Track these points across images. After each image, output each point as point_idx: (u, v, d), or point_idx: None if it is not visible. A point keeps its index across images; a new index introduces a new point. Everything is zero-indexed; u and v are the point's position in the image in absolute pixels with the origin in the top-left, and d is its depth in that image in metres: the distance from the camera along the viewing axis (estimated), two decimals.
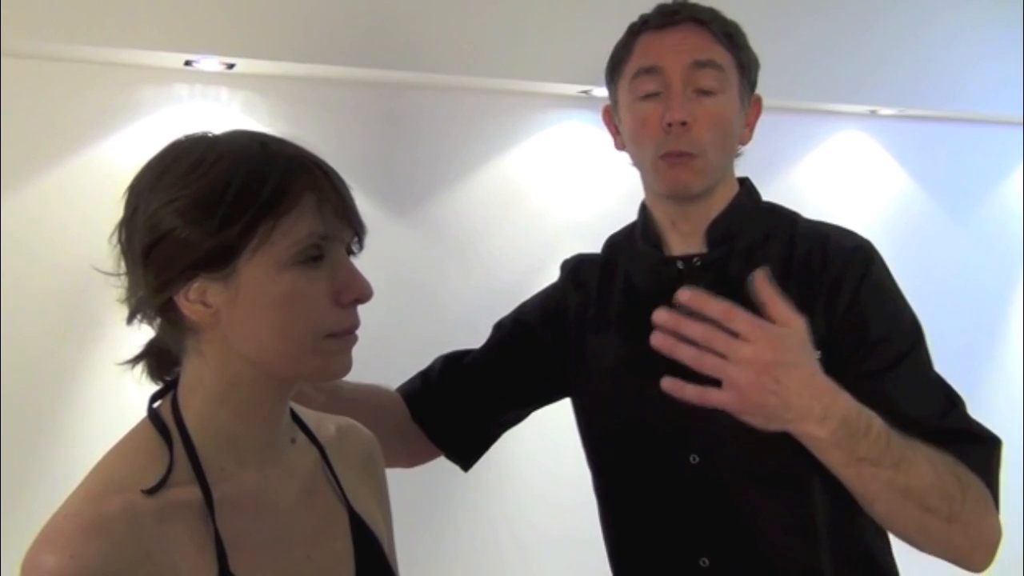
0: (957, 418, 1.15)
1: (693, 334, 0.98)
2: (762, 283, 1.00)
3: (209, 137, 0.87)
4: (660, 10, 1.26)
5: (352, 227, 0.88)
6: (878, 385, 1.14)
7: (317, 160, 0.88)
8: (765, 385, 0.97)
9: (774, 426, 1.01)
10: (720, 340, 0.97)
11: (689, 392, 0.99)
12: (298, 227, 0.83)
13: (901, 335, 1.17)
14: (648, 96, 1.22)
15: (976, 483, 1.09)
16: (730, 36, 1.24)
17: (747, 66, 1.26)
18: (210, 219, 0.81)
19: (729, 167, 1.28)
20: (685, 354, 0.98)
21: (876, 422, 1.03)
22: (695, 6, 1.26)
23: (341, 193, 0.87)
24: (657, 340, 0.99)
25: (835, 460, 1.03)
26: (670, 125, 1.19)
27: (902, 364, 1.15)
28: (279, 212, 0.82)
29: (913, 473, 1.04)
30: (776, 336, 0.98)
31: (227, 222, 0.81)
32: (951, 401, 1.16)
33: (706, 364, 0.98)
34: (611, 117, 1.32)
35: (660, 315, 0.99)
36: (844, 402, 1.02)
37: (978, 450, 1.12)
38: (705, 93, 1.20)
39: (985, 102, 2.85)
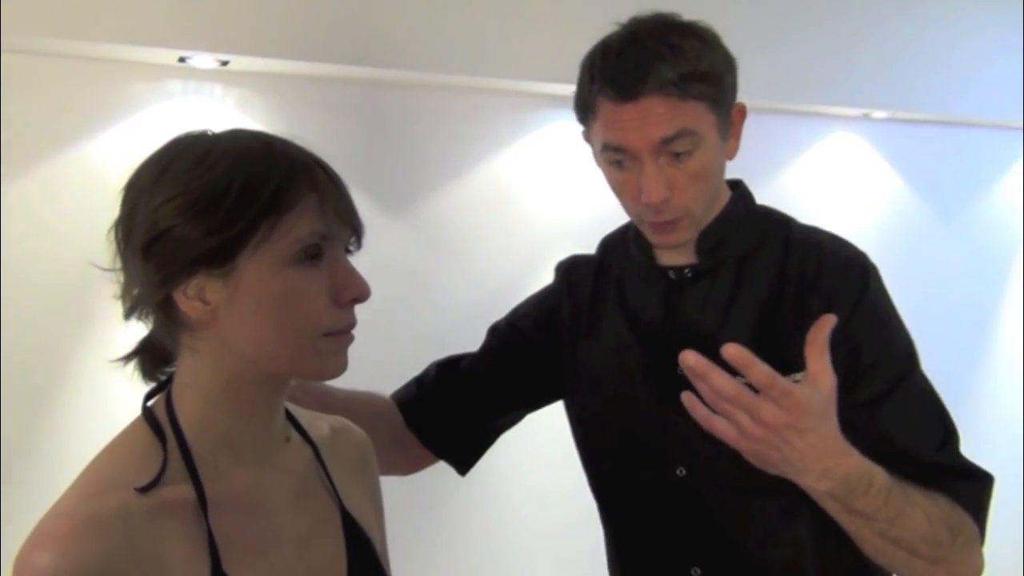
0: (951, 452, 1.15)
1: (722, 390, 0.95)
2: (819, 331, 0.97)
3: (210, 135, 0.87)
4: (618, 74, 1.13)
5: (352, 227, 0.89)
6: (871, 415, 1.13)
7: (318, 160, 0.88)
8: (771, 442, 0.96)
9: (771, 472, 1.00)
10: (746, 400, 0.95)
11: (699, 413, 0.97)
12: (299, 226, 0.83)
13: (895, 361, 1.16)
14: (619, 165, 1.17)
15: (968, 526, 1.09)
16: (700, 77, 1.12)
17: (722, 94, 1.16)
18: (212, 217, 0.81)
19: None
20: (705, 390, 0.96)
21: (878, 480, 1.02)
22: (657, 67, 1.11)
23: (342, 192, 0.88)
24: (686, 398, 0.97)
25: (828, 507, 1.04)
26: (649, 204, 1.15)
27: (895, 393, 1.14)
28: (281, 210, 0.83)
29: (907, 527, 1.04)
30: (802, 404, 0.95)
31: (229, 220, 0.81)
32: (945, 432, 1.16)
33: (720, 405, 0.96)
34: (588, 138, 1.25)
35: (688, 357, 0.95)
36: (849, 463, 1.00)
37: (972, 487, 1.12)
38: (680, 157, 1.14)
39: (979, 106, 2.86)
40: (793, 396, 0.94)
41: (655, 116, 1.12)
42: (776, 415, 0.94)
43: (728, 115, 1.19)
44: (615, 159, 1.16)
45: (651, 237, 1.22)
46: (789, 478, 1.00)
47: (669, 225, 1.17)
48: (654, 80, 1.11)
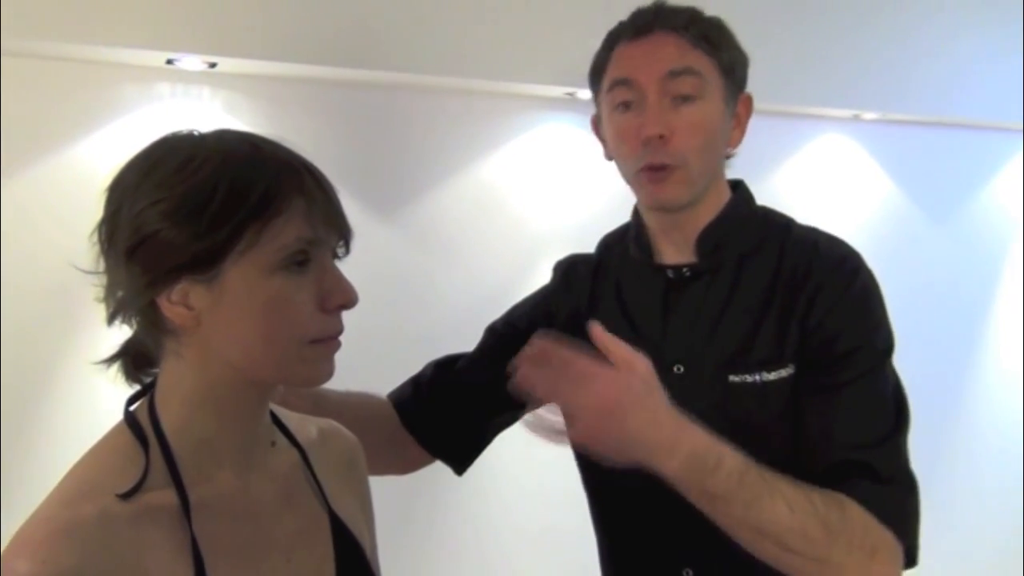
0: (880, 452, 1.12)
1: (540, 381, 1.04)
2: (597, 334, 1.04)
3: (196, 136, 0.86)
4: (635, 19, 1.23)
5: (340, 232, 0.87)
6: (824, 403, 1.13)
7: (306, 163, 0.87)
8: (608, 425, 1.01)
9: (625, 460, 1.03)
10: (564, 387, 1.02)
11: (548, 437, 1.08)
12: (286, 231, 0.82)
13: (868, 353, 1.15)
14: (625, 107, 1.20)
15: (860, 527, 1.06)
16: (709, 39, 1.20)
17: (731, 67, 1.22)
18: (197, 222, 0.80)
19: (717, 174, 1.25)
20: (540, 391, 1.05)
21: (728, 460, 1.03)
22: (671, 11, 1.22)
23: (330, 197, 0.86)
24: (516, 379, 1.05)
25: (687, 493, 1.05)
26: (648, 140, 1.17)
27: (854, 384, 1.14)
28: (267, 216, 0.81)
29: (766, 516, 1.03)
30: (615, 379, 1.01)
31: (214, 225, 0.80)
32: (891, 429, 1.14)
33: (557, 401, 1.04)
34: (598, 127, 1.30)
35: (518, 359, 1.05)
36: (692, 435, 1.03)
37: (881, 492, 1.10)
38: (684, 100, 1.17)
39: (969, 107, 2.87)
40: (599, 373, 1.02)
41: (664, 51, 1.18)
42: (595, 395, 1.01)
43: (735, 94, 1.24)
44: (621, 99, 1.21)
45: (644, 192, 1.22)
46: (646, 464, 1.03)
47: (664, 172, 1.18)
48: (668, 20, 1.20)
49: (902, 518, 1.10)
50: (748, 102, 1.27)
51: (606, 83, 1.23)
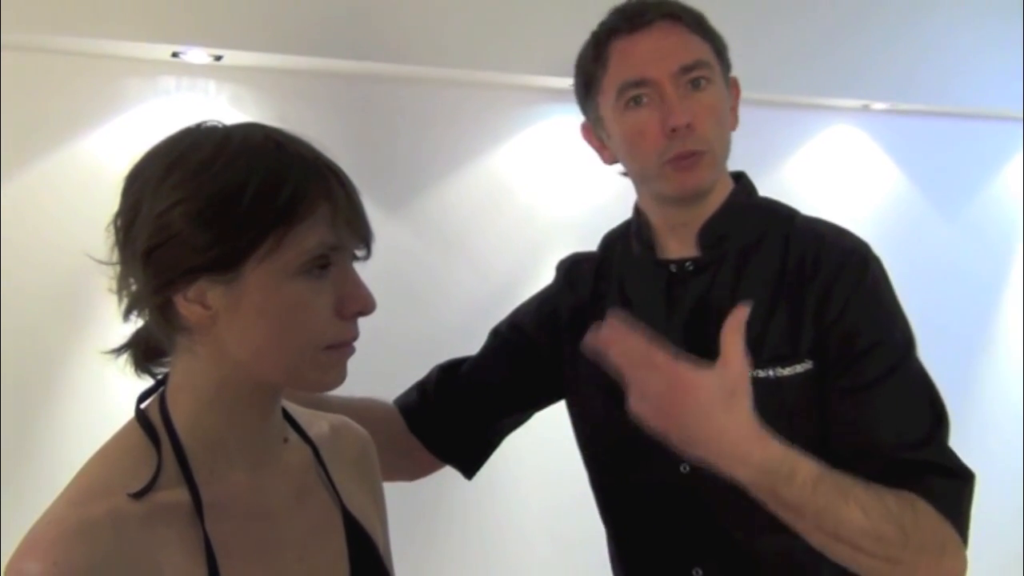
0: (933, 448, 1.11)
1: (615, 355, 1.01)
2: (734, 317, 1.02)
3: (221, 131, 0.84)
4: (626, 13, 1.20)
5: (362, 237, 0.86)
6: (859, 402, 1.12)
7: (331, 165, 0.85)
8: (669, 418, 0.99)
9: (690, 452, 1.02)
10: (632, 368, 1.00)
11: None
12: (310, 237, 0.81)
13: (890, 348, 1.14)
14: (637, 103, 1.18)
15: (930, 526, 1.06)
16: (701, 23, 1.21)
17: (721, 50, 1.23)
18: (220, 225, 0.78)
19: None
20: (610, 361, 1.01)
21: (803, 470, 1.01)
22: (666, 2, 1.20)
23: (354, 202, 0.85)
24: (589, 340, 1.02)
25: (760, 497, 1.03)
26: (674, 130, 1.15)
27: (887, 381, 1.12)
28: (292, 222, 0.80)
29: (841, 520, 1.02)
30: (688, 382, 0.98)
31: (239, 229, 0.79)
32: (934, 424, 1.13)
33: (626, 376, 1.01)
34: (592, 133, 1.28)
35: (593, 337, 1.02)
36: (766, 451, 1.00)
37: (947, 486, 1.09)
38: (695, 87, 1.17)
39: (979, 97, 2.85)
40: (675, 369, 0.99)
41: (670, 44, 1.18)
42: (661, 390, 0.98)
43: (727, 77, 1.24)
44: (634, 95, 1.18)
45: (671, 182, 1.19)
46: (711, 462, 1.01)
47: (693, 159, 1.16)
48: (664, 8, 1.19)
49: (962, 511, 1.10)
50: (736, 86, 1.28)
51: (610, 85, 1.20)
